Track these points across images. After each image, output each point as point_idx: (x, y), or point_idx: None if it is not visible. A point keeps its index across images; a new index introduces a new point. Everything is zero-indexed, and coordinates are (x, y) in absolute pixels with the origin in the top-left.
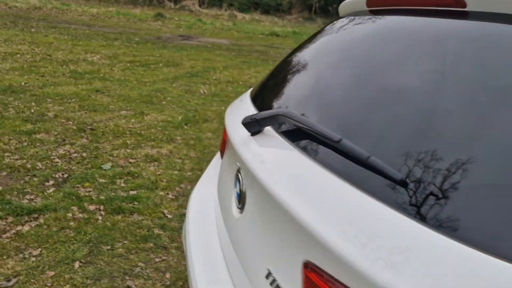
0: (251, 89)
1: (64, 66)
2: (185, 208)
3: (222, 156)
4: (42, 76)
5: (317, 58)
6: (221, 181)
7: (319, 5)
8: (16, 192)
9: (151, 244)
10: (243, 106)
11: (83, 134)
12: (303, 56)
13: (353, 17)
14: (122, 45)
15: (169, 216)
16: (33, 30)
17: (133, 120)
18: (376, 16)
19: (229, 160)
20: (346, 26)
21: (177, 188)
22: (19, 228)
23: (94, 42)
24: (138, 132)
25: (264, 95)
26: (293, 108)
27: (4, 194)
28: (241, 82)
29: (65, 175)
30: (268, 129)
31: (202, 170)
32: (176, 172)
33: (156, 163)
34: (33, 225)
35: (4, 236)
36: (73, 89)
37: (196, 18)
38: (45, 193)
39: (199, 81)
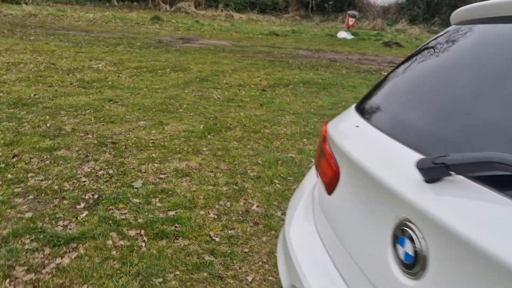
0: (355, 106)
1: (70, 75)
2: (231, 229)
3: (330, 192)
4: (50, 86)
5: (457, 72)
6: (343, 226)
7: (315, 3)
8: (47, 218)
9: (205, 274)
10: (365, 134)
11: (105, 148)
12: (428, 68)
13: (482, 25)
14: (125, 51)
15: (217, 239)
16: (32, 38)
17: (153, 131)
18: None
19: (368, 205)
20: (482, 35)
21: (217, 206)
22: (58, 261)
23: (96, 49)
24: (162, 144)
25: (393, 118)
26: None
27: (36, 221)
28: (253, 85)
29: (96, 196)
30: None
31: (237, 184)
32: (211, 187)
33: (187, 178)
34: (73, 257)
35: (44, 271)
36: (84, 99)
37: (194, 20)
38: (78, 218)
39: (210, 86)
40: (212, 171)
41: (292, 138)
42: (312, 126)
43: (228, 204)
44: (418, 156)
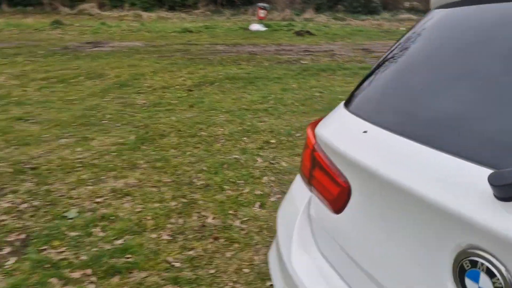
0: (344, 106)
1: None
2: (190, 250)
3: (337, 210)
4: None
5: (447, 57)
6: (367, 254)
7: None
8: None
9: None
10: (383, 142)
11: (23, 176)
12: (417, 56)
13: (464, 6)
14: (27, 61)
15: (177, 265)
16: None
17: (78, 149)
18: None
19: (406, 229)
20: (466, 18)
21: (169, 225)
22: None
23: None
24: (91, 162)
25: (421, 121)
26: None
27: None
28: (177, 86)
29: (22, 236)
30: None
31: (186, 197)
32: (157, 204)
33: (128, 197)
34: None
35: None
36: None
37: (99, 22)
38: (5, 267)
39: (132, 91)
40: (155, 186)
41: (232, 138)
42: (249, 123)
43: (181, 221)
44: (473, 167)
